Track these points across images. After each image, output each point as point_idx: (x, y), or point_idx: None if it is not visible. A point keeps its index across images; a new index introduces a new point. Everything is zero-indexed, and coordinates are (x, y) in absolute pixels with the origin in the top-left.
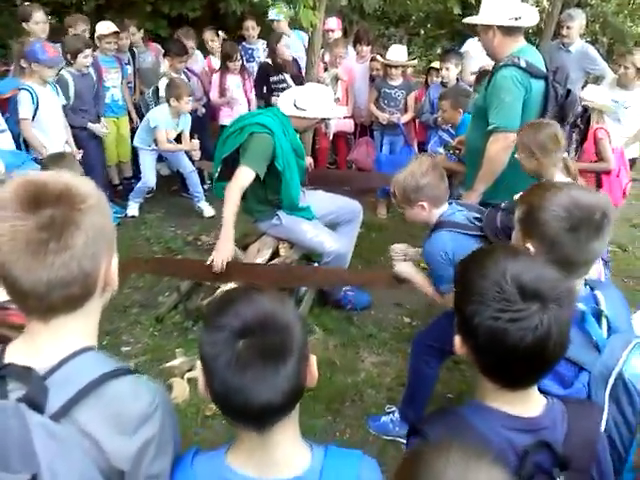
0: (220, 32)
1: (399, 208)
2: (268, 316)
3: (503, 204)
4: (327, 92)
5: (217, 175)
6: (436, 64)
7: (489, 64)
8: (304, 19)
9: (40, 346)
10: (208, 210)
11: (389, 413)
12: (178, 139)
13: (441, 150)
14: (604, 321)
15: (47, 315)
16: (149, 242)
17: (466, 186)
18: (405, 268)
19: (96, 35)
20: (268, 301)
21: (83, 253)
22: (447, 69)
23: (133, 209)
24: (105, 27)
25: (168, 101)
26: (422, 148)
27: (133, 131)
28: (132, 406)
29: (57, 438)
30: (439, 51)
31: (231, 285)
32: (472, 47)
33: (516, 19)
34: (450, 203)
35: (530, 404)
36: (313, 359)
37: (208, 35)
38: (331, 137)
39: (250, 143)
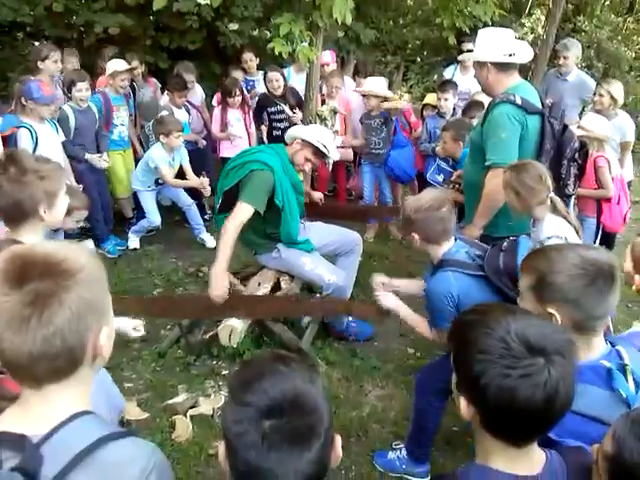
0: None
1: (407, 236)
2: (297, 396)
3: (504, 244)
4: (329, 134)
5: (218, 207)
6: (430, 99)
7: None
8: (301, 55)
9: (32, 413)
10: (210, 241)
11: (395, 449)
12: (180, 175)
13: (440, 179)
14: (630, 376)
15: (35, 384)
16: (150, 275)
17: (465, 219)
18: (389, 300)
19: (108, 73)
20: (297, 379)
21: (67, 329)
22: (445, 99)
23: (134, 242)
24: (120, 64)
25: (158, 138)
26: (421, 177)
27: (138, 161)
28: (125, 472)
29: None
30: (435, 77)
31: (234, 320)
32: (447, 74)
33: (510, 55)
34: (455, 239)
35: (532, 460)
36: (338, 440)
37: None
38: (330, 167)
39: (250, 180)
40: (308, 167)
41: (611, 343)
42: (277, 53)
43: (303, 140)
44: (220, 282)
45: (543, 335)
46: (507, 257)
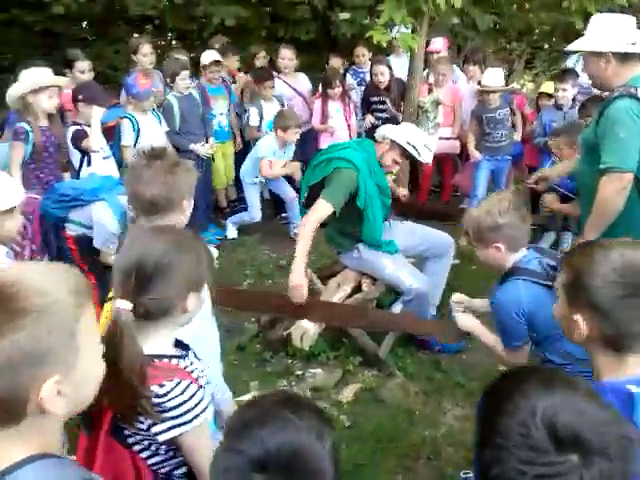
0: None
1: (472, 246)
2: (297, 452)
3: None
4: (422, 134)
5: (304, 202)
6: (547, 88)
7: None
8: (402, 43)
9: None
10: None
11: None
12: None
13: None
14: None
15: None
16: (243, 265)
17: (580, 224)
18: (466, 320)
19: (201, 65)
20: (302, 430)
21: None
22: (564, 90)
23: (232, 232)
24: (208, 56)
25: (276, 131)
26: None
27: (237, 153)
28: None
29: None
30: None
31: (306, 321)
32: (569, 63)
33: (633, 44)
34: (528, 248)
35: None
36: None
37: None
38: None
39: (334, 178)
40: (396, 169)
41: None
42: (376, 42)
43: (392, 141)
44: (298, 291)
45: (582, 422)
46: None
